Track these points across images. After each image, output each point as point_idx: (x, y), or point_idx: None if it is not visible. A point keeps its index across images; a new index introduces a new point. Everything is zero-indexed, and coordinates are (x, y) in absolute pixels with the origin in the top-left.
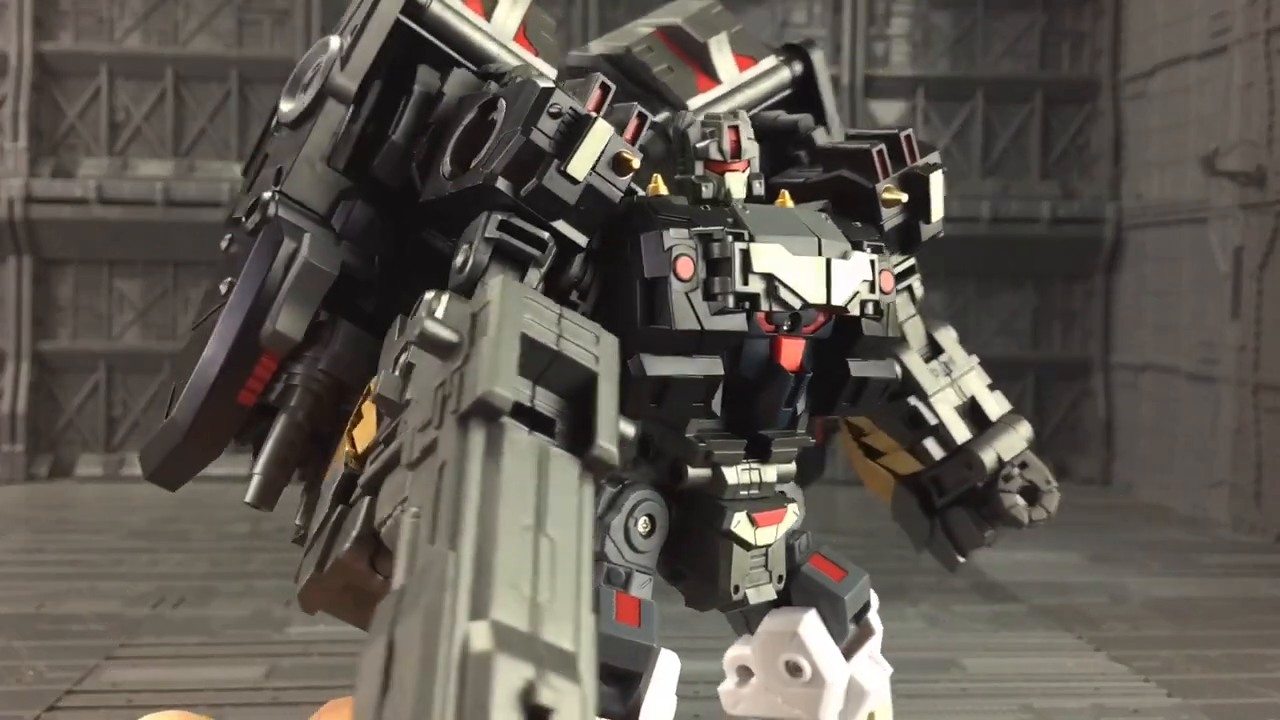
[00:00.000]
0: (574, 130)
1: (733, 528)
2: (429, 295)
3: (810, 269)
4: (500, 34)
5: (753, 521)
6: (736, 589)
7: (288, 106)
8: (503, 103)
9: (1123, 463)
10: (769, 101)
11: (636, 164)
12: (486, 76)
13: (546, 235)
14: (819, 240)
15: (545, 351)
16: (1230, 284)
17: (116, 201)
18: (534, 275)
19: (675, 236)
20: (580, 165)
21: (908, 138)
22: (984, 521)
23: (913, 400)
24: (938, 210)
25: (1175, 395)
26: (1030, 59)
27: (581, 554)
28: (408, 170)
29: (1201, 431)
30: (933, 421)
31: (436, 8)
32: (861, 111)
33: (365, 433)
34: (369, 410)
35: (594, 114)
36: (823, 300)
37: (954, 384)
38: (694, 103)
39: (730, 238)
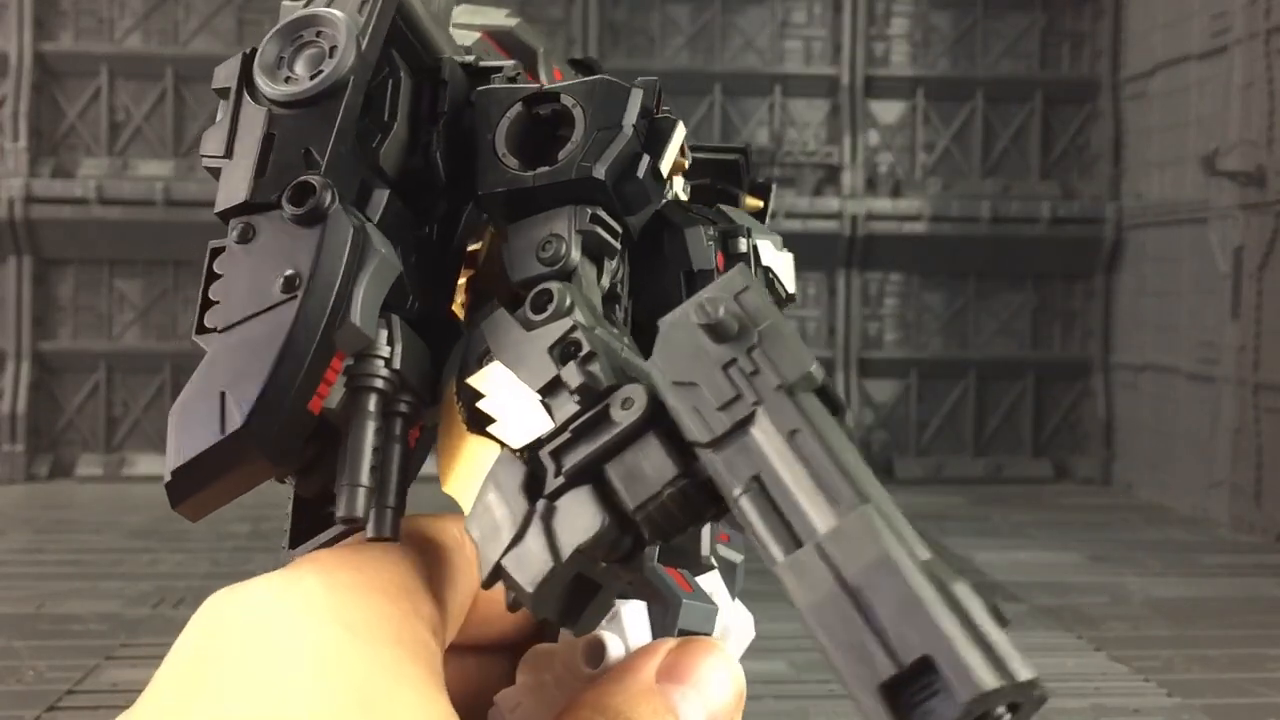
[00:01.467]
0: (655, 129)
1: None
2: (555, 286)
3: (787, 262)
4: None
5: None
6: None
7: (276, 87)
8: (568, 98)
9: (1123, 463)
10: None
11: (688, 165)
12: (479, 73)
13: (620, 228)
14: (779, 236)
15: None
16: (1230, 284)
17: (116, 201)
18: (609, 267)
19: (708, 233)
20: (668, 163)
21: (746, 151)
22: None
23: None
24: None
25: (1175, 395)
26: (1030, 59)
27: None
28: (407, 162)
29: (1201, 431)
30: None
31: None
32: (861, 111)
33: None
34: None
35: (673, 115)
36: (793, 291)
37: None
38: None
39: (745, 233)
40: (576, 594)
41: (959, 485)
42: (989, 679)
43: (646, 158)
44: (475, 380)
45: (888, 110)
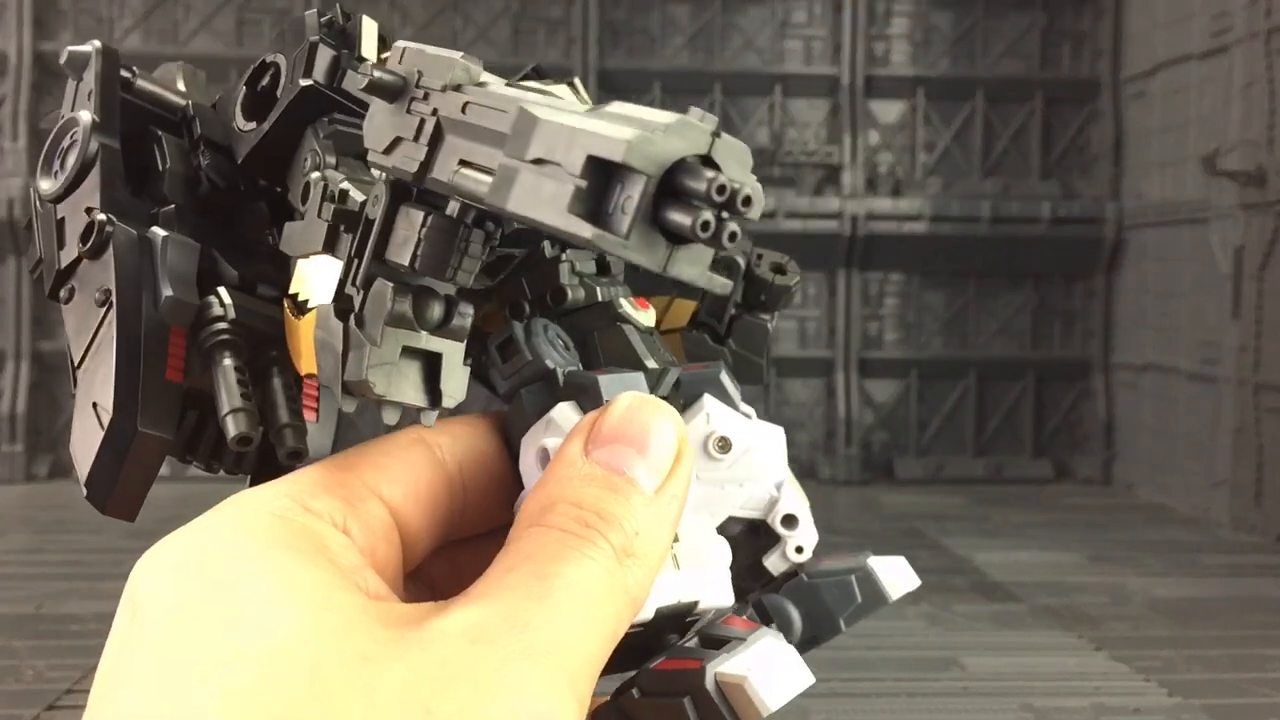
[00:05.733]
0: (344, 30)
1: (623, 310)
2: (312, 176)
3: None
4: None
5: (632, 304)
6: (658, 364)
7: (48, 184)
8: (268, 57)
9: (1123, 463)
10: None
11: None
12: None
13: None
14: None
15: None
16: (1231, 284)
17: None
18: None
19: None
20: (368, 48)
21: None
22: (759, 314)
23: None
24: None
25: (1176, 395)
26: (1030, 59)
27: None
28: (197, 185)
29: (1202, 431)
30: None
31: (140, 82)
32: (861, 111)
33: (317, 291)
34: (302, 285)
35: (362, 16)
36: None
37: None
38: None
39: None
40: (419, 373)
41: (959, 485)
42: (636, 138)
43: (346, 52)
44: (296, 284)
45: (888, 110)
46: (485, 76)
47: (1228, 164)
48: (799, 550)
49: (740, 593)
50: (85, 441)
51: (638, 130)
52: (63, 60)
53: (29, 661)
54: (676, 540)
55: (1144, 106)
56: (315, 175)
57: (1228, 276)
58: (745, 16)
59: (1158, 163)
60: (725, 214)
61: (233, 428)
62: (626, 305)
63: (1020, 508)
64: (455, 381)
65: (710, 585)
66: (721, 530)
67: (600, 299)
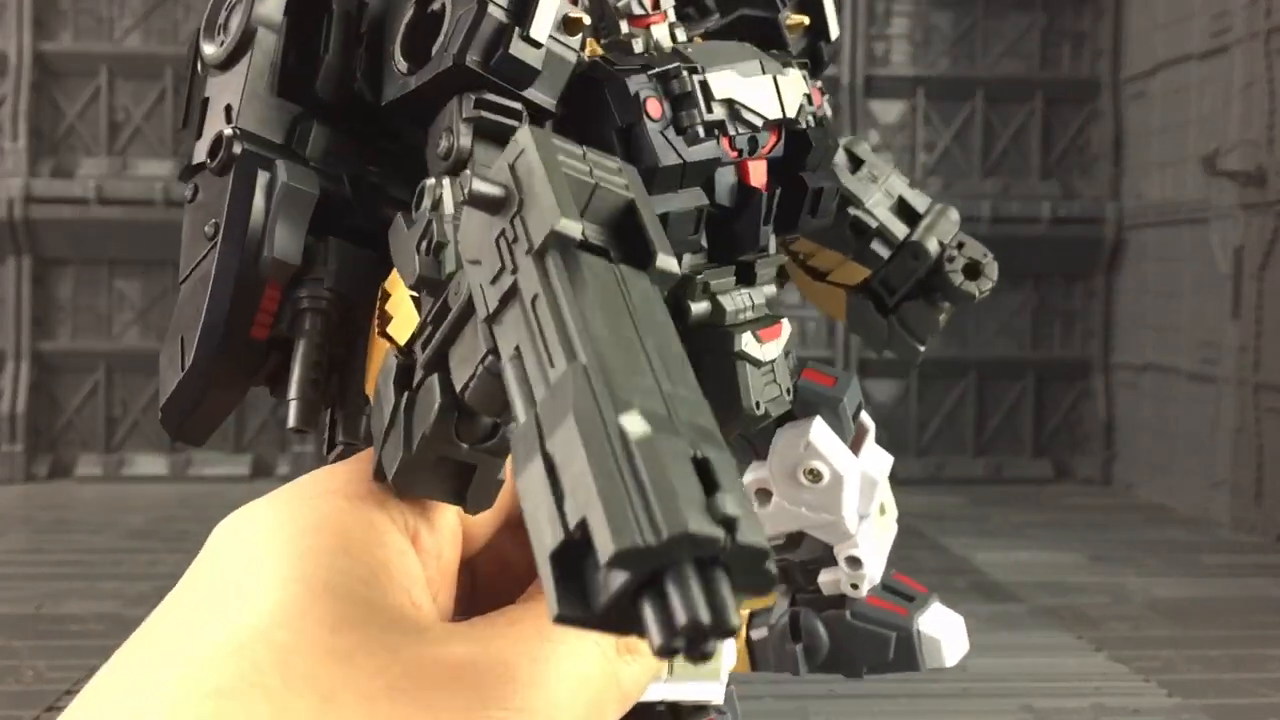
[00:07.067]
0: None
1: (744, 348)
2: (429, 182)
3: (761, 87)
4: None
5: (758, 339)
6: (758, 404)
7: (212, 49)
8: None
9: (1123, 463)
10: None
11: (587, 21)
12: None
13: (519, 106)
14: (759, 61)
15: (585, 186)
16: (1231, 284)
17: (116, 201)
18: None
19: (637, 82)
20: (540, 27)
21: None
22: (934, 308)
23: (853, 210)
24: (834, 27)
25: (1176, 395)
26: (1030, 59)
27: (681, 351)
28: (351, 85)
29: (1202, 431)
30: (874, 225)
31: None
32: (861, 111)
33: (403, 326)
34: (396, 308)
35: None
36: (779, 115)
37: (882, 188)
38: None
39: (686, 72)
40: (452, 476)
41: (959, 485)
42: (628, 538)
43: (515, 28)
44: (392, 297)
45: (888, 110)
46: (581, 230)
47: (1228, 164)
48: (853, 587)
49: (787, 575)
50: (168, 369)
51: (638, 534)
52: None
53: (29, 662)
54: None
55: (1144, 106)
56: (431, 183)
57: (1228, 276)
58: None
59: (1158, 163)
60: (696, 642)
61: (291, 418)
62: (749, 339)
63: (1020, 508)
64: (484, 494)
65: (696, 692)
66: (788, 537)
67: (726, 322)
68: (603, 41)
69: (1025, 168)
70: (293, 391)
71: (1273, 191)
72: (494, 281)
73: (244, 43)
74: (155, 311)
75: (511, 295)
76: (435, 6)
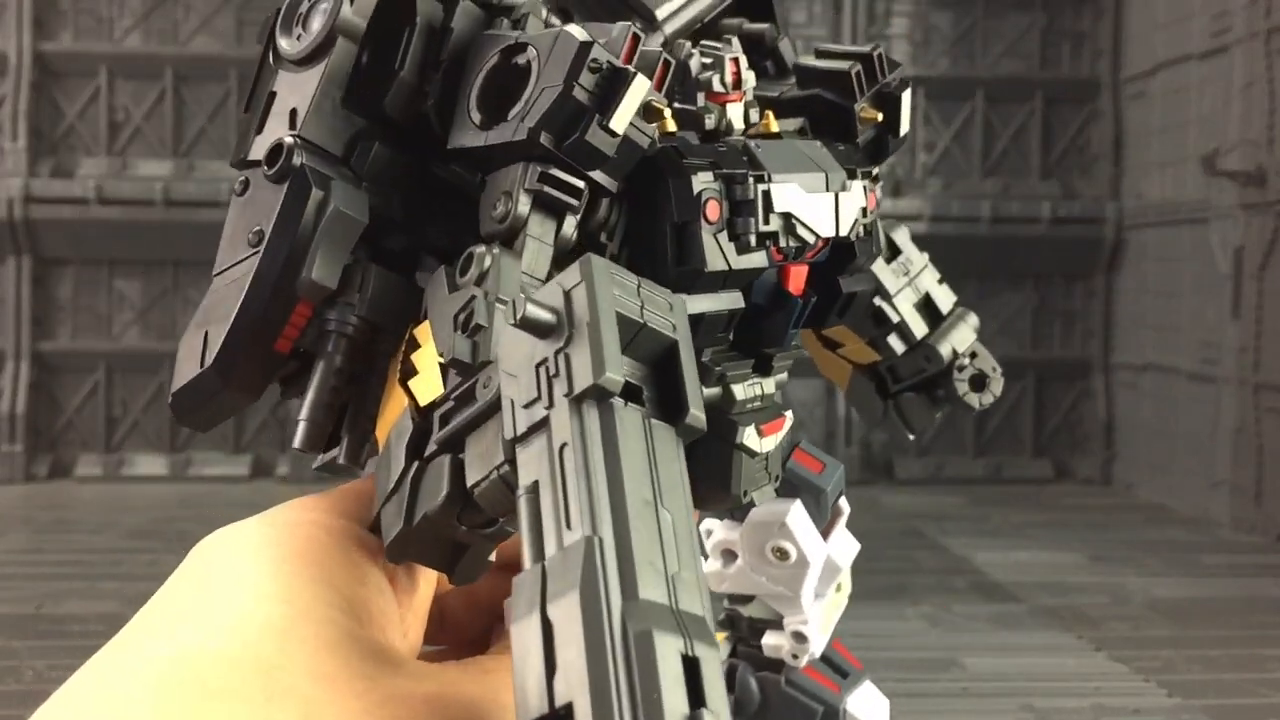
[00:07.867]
0: (612, 84)
1: (744, 440)
2: (479, 250)
3: (822, 205)
4: None
5: (759, 433)
6: (745, 493)
7: (288, 44)
8: (533, 50)
9: (1123, 463)
10: (722, 5)
11: (668, 113)
12: (493, 10)
13: (582, 185)
14: (825, 175)
15: (633, 325)
16: (1231, 284)
17: (116, 201)
18: (570, 222)
19: (702, 181)
20: (621, 120)
21: (879, 56)
22: (934, 405)
23: (878, 300)
24: (906, 125)
25: (1176, 395)
26: (1030, 59)
27: (690, 519)
28: (420, 107)
29: (1202, 431)
30: (895, 319)
31: None
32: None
33: (425, 385)
34: (422, 362)
35: (631, 68)
36: (833, 234)
37: (911, 283)
38: (662, 11)
39: (752, 179)
40: (445, 550)
41: (959, 485)
42: None
43: (597, 116)
44: (420, 350)
45: None
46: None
47: (1228, 164)
48: (794, 657)
49: (733, 623)
50: (188, 360)
51: None
52: None
53: (29, 662)
54: None
55: (1144, 106)
56: (480, 251)
57: (1228, 276)
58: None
59: (1158, 163)
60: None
61: (298, 439)
62: (751, 433)
63: (1020, 508)
64: (473, 569)
65: None
66: (741, 595)
67: (734, 411)
68: (675, 106)
69: (1025, 168)
70: (304, 413)
71: (1273, 191)
72: (527, 406)
73: (324, 46)
74: (155, 311)
75: (541, 427)
76: (521, 60)
